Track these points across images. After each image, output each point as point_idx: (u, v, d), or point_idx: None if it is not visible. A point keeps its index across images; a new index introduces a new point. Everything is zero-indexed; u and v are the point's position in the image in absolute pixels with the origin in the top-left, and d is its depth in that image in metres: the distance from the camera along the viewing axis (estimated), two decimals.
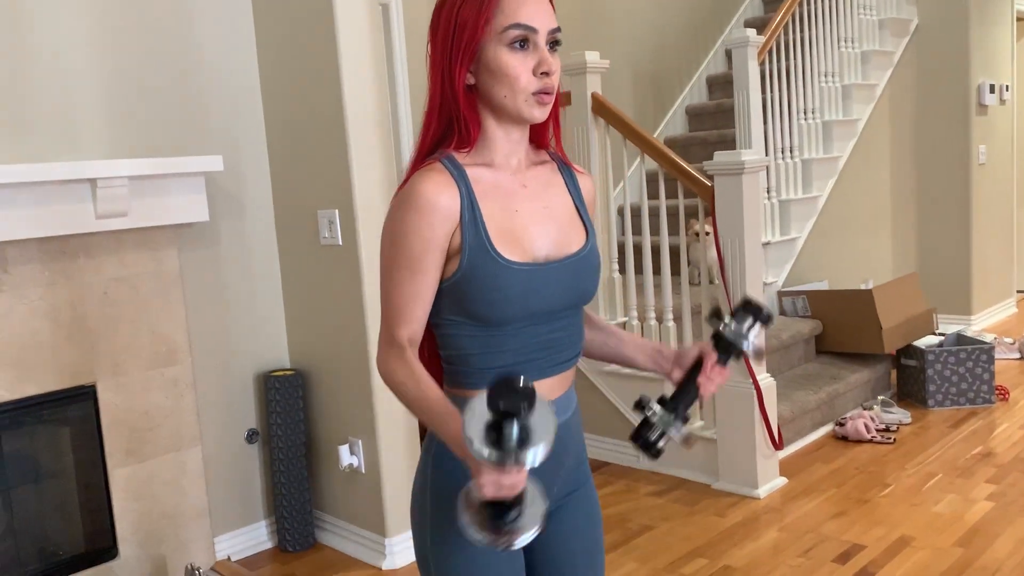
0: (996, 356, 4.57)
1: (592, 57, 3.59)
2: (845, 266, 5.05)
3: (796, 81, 4.59)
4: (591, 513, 1.37)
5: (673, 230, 4.00)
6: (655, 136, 5.40)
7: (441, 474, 1.26)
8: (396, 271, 1.22)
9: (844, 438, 3.76)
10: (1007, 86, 5.88)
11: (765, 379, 3.26)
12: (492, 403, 0.99)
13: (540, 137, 1.34)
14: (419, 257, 1.21)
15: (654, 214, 3.82)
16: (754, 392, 3.21)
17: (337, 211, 2.80)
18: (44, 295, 2.54)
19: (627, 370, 3.47)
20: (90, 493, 2.70)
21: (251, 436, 3.06)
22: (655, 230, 3.65)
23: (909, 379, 4.25)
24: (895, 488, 3.21)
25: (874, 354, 4.26)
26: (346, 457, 2.89)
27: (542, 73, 1.21)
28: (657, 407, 1.26)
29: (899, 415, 3.93)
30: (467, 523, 1.07)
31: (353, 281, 2.80)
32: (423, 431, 3.81)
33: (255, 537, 3.07)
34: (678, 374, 1.32)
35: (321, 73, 2.75)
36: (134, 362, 2.72)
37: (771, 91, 4.41)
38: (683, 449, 3.43)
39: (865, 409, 4.00)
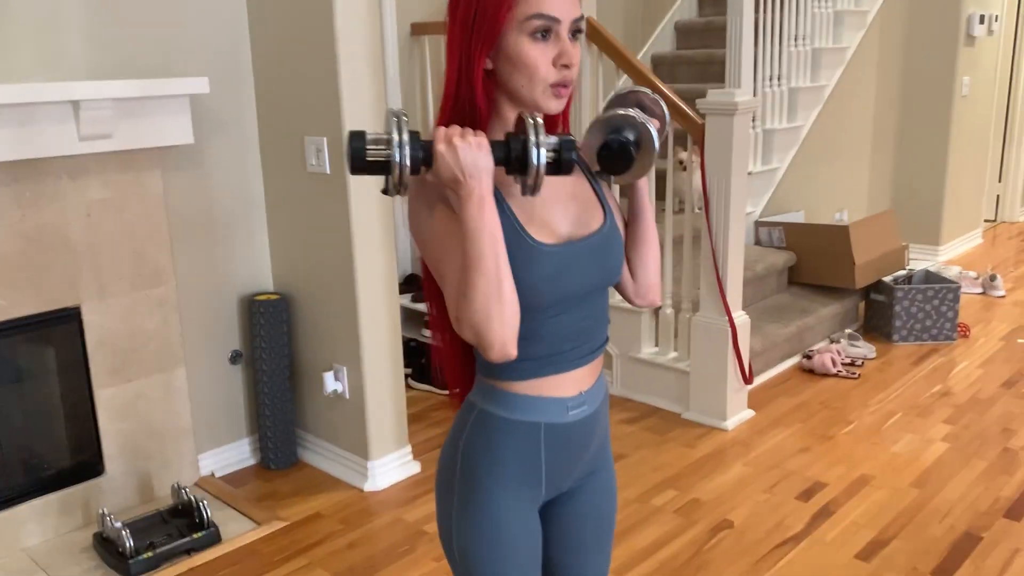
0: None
1: None
2: (821, 196, 5.09)
3: (789, 4, 4.51)
4: (608, 494, 1.41)
5: (659, 154, 3.99)
6: (644, 52, 5.32)
7: (477, 444, 1.27)
8: (445, 258, 1.16)
9: (811, 371, 3.89)
10: (996, 16, 5.83)
11: (740, 316, 3.34)
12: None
13: (551, 123, 1.32)
14: (455, 233, 1.14)
15: None
16: (728, 328, 3.29)
17: (325, 139, 2.75)
18: (26, 216, 2.49)
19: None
20: (77, 412, 2.73)
21: (235, 357, 3.09)
22: None
23: (876, 313, 4.37)
24: (857, 426, 3.35)
25: (844, 288, 4.35)
26: (331, 383, 2.94)
27: (562, 65, 1.18)
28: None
29: (864, 350, 4.06)
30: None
31: (340, 210, 2.78)
32: (418, 358, 3.81)
33: (239, 454, 3.14)
34: None
35: None
36: (119, 284, 2.71)
37: (763, 13, 4.33)
38: (655, 378, 3.53)
39: (832, 342, 4.12)
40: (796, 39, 4.62)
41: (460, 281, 1.11)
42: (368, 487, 2.93)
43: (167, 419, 2.88)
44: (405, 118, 1.09)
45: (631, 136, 1.26)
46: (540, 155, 1.11)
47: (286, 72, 2.84)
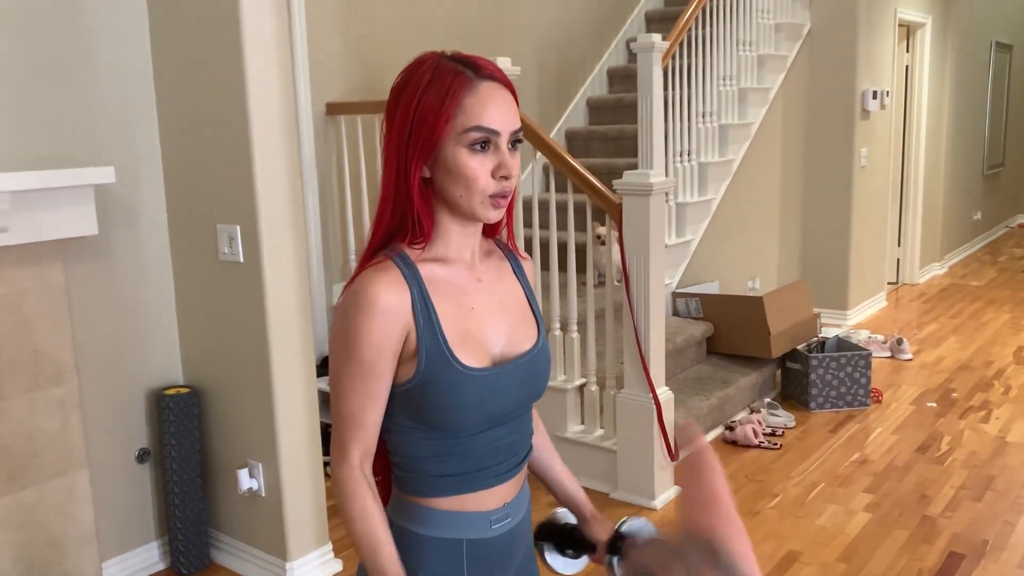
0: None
1: (504, 63, 3.53)
2: (734, 266, 5.22)
3: (696, 83, 4.67)
4: None
5: (578, 226, 4.03)
6: (558, 127, 5.42)
7: None
8: (347, 376, 1.17)
9: (734, 442, 3.92)
10: (887, 91, 6.16)
11: (664, 393, 3.35)
12: None
13: (492, 228, 1.30)
14: (372, 361, 1.16)
15: (560, 209, 3.78)
16: (653, 405, 3.29)
17: (239, 227, 2.67)
18: None
19: None
20: None
21: (142, 456, 2.92)
22: (560, 224, 3.66)
23: (793, 382, 4.45)
24: (782, 499, 3.37)
25: (761, 357, 4.43)
26: (245, 481, 2.80)
27: (502, 176, 1.17)
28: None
29: (784, 419, 4.12)
30: None
31: (255, 300, 2.69)
32: (327, 445, 3.73)
33: (147, 559, 2.95)
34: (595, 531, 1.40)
35: (223, 78, 2.60)
36: (16, 384, 2.54)
37: (672, 90, 4.46)
38: (583, 457, 3.49)
39: (752, 411, 4.17)
40: (704, 115, 4.78)
41: (353, 509, 1.19)
42: None
43: (68, 527, 2.68)
44: None
45: None
46: None
47: (197, 158, 2.76)
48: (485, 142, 1.14)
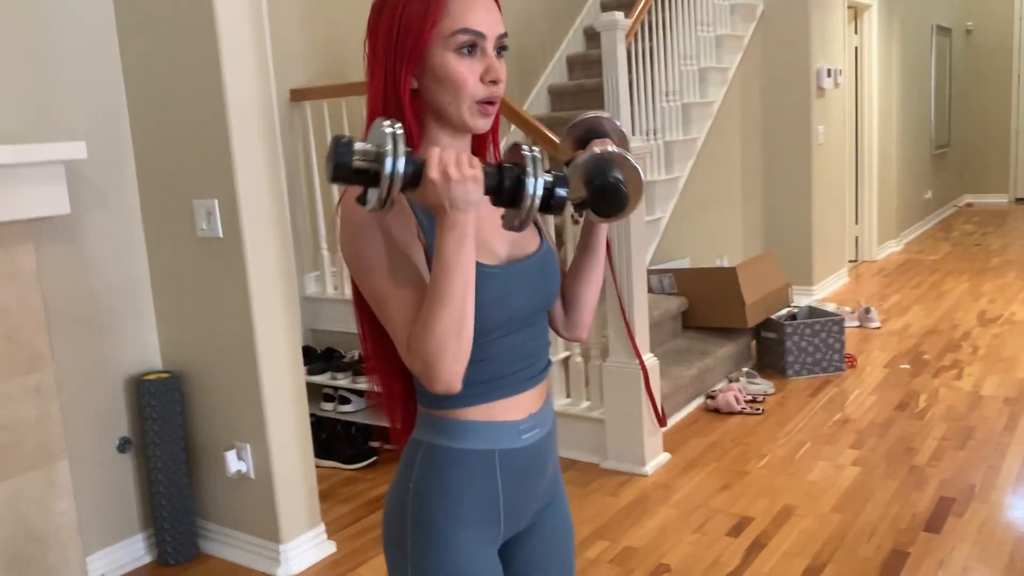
0: None
1: None
2: (702, 243, 5.25)
3: (659, 64, 4.70)
4: (566, 526, 1.36)
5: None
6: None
7: (428, 484, 1.20)
8: (379, 283, 1.12)
9: (716, 410, 3.94)
10: (840, 70, 6.28)
11: (650, 358, 3.35)
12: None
13: (480, 148, 1.29)
14: (399, 252, 1.12)
15: None
16: (640, 371, 3.29)
17: (216, 200, 2.61)
18: None
19: None
20: None
21: (123, 445, 2.83)
22: None
23: (768, 350, 4.49)
24: (770, 459, 3.39)
25: (737, 328, 4.46)
26: (234, 463, 2.73)
27: (490, 81, 1.16)
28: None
29: (763, 386, 4.15)
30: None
31: (236, 275, 2.62)
32: (328, 433, 3.62)
33: (133, 552, 2.85)
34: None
35: (195, 51, 2.54)
36: None
37: (635, 73, 4.49)
38: (571, 430, 3.47)
39: (732, 381, 4.20)
40: (667, 95, 4.81)
41: (420, 312, 1.08)
42: (282, 573, 2.71)
43: (49, 520, 2.58)
44: (400, 131, 1.01)
45: (619, 175, 1.19)
46: (537, 190, 1.06)
47: (169, 133, 2.69)
48: (472, 46, 1.14)
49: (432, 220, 1.15)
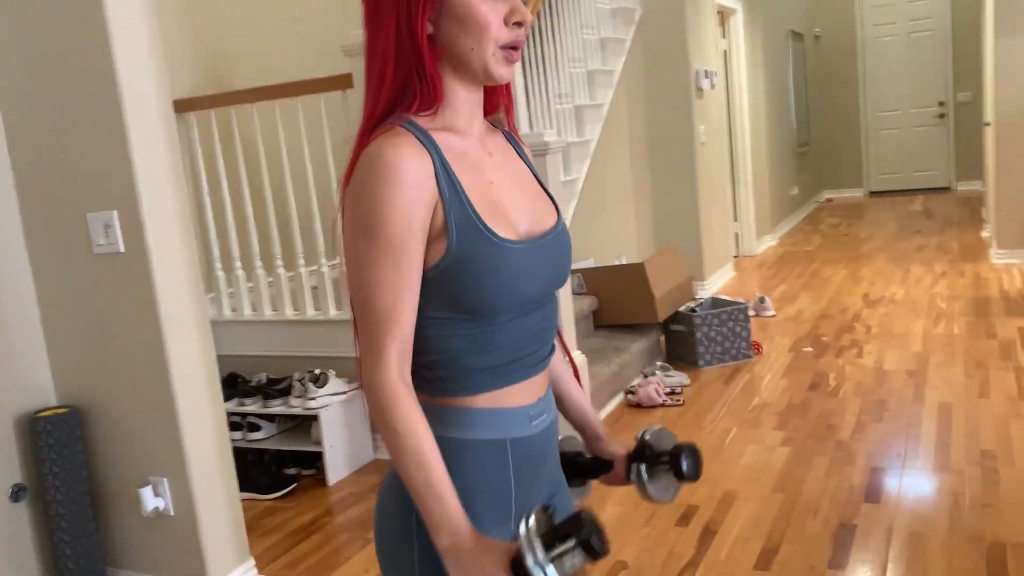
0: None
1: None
2: (603, 244, 5.27)
3: (550, 66, 4.69)
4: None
5: None
6: None
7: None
8: (373, 262, 1.02)
9: (638, 405, 3.92)
10: (715, 72, 6.47)
11: (579, 355, 3.29)
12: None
13: (492, 104, 1.19)
14: (402, 239, 1.02)
15: None
16: (570, 368, 3.21)
17: (116, 212, 2.37)
18: None
19: None
20: None
21: (16, 493, 2.52)
22: None
23: (679, 343, 4.53)
24: (701, 447, 3.37)
25: (646, 323, 4.48)
26: (150, 500, 2.47)
27: (515, 23, 1.07)
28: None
29: (679, 378, 4.17)
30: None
31: (143, 293, 2.38)
32: (239, 463, 3.38)
33: None
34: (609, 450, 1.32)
35: (83, 50, 2.30)
36: None
37: (527, 76, 4.46)
38: None
39: (648, 376, 4.20)
40: (560, 97, 4.80)
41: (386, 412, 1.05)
42: None
43: None
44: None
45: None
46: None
47: (54, 141, 2.43)
48: None
49: (454, 188, 1.05)
